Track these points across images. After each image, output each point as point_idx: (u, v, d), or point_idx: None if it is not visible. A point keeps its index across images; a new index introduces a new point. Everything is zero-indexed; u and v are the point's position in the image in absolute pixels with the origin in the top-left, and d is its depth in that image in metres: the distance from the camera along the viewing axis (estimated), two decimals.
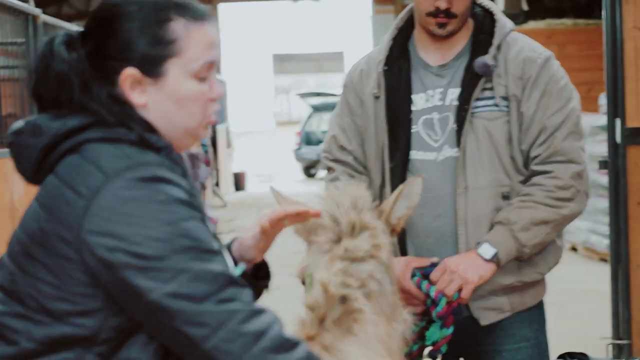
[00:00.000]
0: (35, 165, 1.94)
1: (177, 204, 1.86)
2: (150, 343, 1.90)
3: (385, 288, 2.65)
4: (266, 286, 2.35)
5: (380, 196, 3.16)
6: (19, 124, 1.99)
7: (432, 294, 3.03)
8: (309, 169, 24.58)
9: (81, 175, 1.87)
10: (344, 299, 2.44)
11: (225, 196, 19.42)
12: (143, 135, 1.92)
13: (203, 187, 2.54)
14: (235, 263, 2.24)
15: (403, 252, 3.20)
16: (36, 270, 1.89)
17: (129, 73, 1.94)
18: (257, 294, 2.27)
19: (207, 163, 2.55)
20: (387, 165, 3.19)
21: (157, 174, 1.87)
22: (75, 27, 10.03)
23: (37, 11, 8.38)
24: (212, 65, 2.02)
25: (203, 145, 17.63)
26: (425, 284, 3.05)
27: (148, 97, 1.97)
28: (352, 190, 2.74)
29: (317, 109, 25.39)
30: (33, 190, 7.15)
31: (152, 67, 1.95)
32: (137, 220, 1.81)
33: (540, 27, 13.69)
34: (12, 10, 8.05)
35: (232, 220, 16.39)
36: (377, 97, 3.22)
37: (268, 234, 2.27)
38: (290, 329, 2.38)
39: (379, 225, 2.66)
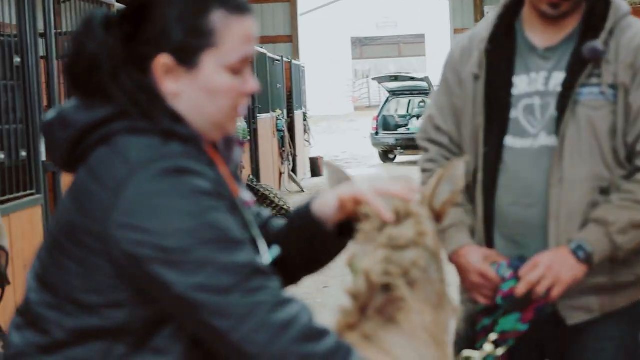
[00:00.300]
0: (66, 156, 1.96)
1: (201, 195, 1.85)
2: (179, 333, 1.91)
3: (431, 276, 2.61)
4: (344, 244, 2.34)
5: (473, 182, 3.11)
6: (50, 114, 2.00)
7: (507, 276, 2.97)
8: (387, 154, 24.43)
9: (108, 167, 1.87)
10: (386, 288, 2.41)
11: (302, 181, 19.46)
12: (168, 126, 1.91)
13: (240, 168, 2.55)
14: (269, 245, 2.19)
15: (489, 241, 3.13)
16: (66, 262, 1.91)
17: (163, 60, 1.93)
18: (339, 249, 2.32)
19: (242, 145, 2.55)
20: (481, 150, 3.09)
21: (181, 165, 1.85)
22: None
23: (111, 1, 8.50)
24: (248, 60, 2.00)
25: (279, 131, 17.76)
26: (504, 268, 2.99)
27: (180, 86, 1.95)
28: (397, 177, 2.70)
29: (394, 93, 25.20)
30: None
31: (187, 57, 1.93)
32: (161, 213, 1.81)
33: None
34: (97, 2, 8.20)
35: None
36: (476, 77, 3.10)
37: (345, 209, 2.24)
38: (333, 318, 2.36)
39: (423, 212, 2.61)
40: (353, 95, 50.78)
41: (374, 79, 28.99)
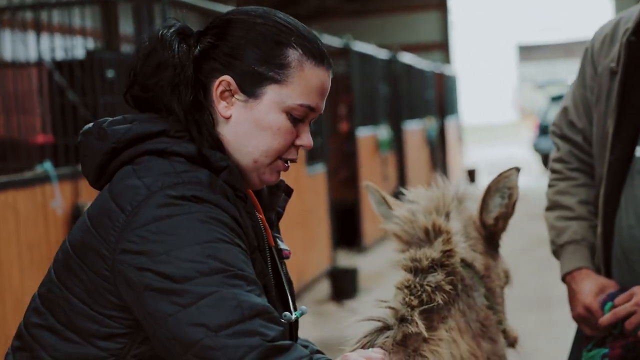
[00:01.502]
0: (98, 169, 1.90)
1: (214, 224, 1.75)
2: None
3: (475, 301, 2.35)
4: None
5: (598, 192, 2.78)
6: (89, 125, 1.95)
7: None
8: (548, 161, 23.64)
9: (128, 189, 1.80)
10: (403, 319, 2.17)
11: None
12: (203, 151, 1.84)
13: (279, 215, 2.43)
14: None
15: (607, 262, 2.80)
16: (72, 283, 1.85)
17: (227, 79, 1.88)
18: None
19: (287, 192, 2.46)
20: (607, 157, 2.71)
21: (198, 194, 1.77)
22: None
23: (223, 8, 8.54)
24: (310, 112, 1.91)
25: (430, 142, 17.47)
26: (610, 305, 2.67)
27: (233, 112, 1.89)
28: (436, 193, 2.46)
29: (555, 99, 24.39)
30: None
31: (251, 84, 1.88)
32: (167, 239, 1.72)
33: None
34: (198, 9, 8.27)
35: None
36: (613, 73, 2.70)
37: None
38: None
39: (455, 230, 2.35)
40: (517, 102, 49.67)
41: (535, 85, 28.30)
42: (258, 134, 1.89)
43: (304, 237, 10.10)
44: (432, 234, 2.34)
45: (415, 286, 2.23)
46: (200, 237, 1.72)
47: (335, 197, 11.96)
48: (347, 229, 12.28)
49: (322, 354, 1.94)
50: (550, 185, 3.02)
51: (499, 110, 46.27)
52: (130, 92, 1.95)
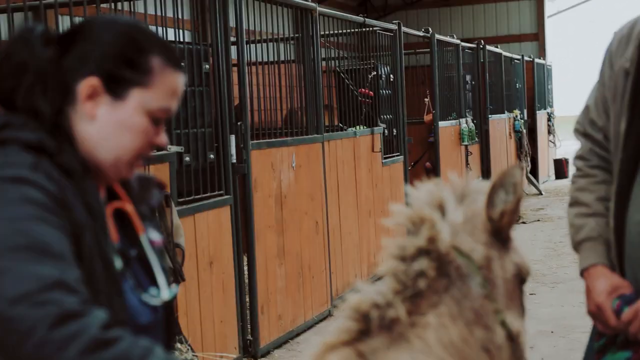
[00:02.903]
0: None
1: (29, 204, 1.80)
2: None
3: (470, 290, 2.43)
4: None
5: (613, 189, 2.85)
6: None
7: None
8: None
9: None
10: (388, 304, 2.27)
11: (544, 184, 18.83)
12: (42, 138, 1.91)
13: (153, 210, 2.49)
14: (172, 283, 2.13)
15: (620, 259, 2.84)
16: None
17: (93, 82, 1.97)
18: None
19: (162, 187, 2.52)
20: (619, 155, 2.80)
21: (17, 174, 1.83)
22: (351, 17, 10.26)
23: (313, 5, 8.68)
24: (168, 113, 2.03)
25: (517, 132, 17.27)
26: (626, 310, 2.72)
27: (99, 112, 1.98)
28: (430, 188, 2.54)
29: None
30: (304, 178, 7.50)
31: (117, 86, 1.98)
32: None
33: None
34: (289, 5, 8.42)
35: (542, 209, 15.88)
36: (627, 73, 2.77)
37: None
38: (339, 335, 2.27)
39: (438, 216, 2.44)
40: None
41: None
42: (122, 134, 1.99)
43: (378, 227, 10.19)
44: (418, 224, 2.42)
45: (399, 273, 2.33)
46: (10, 214, 1.77)
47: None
48: None
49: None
50: (572, 182, 3.07)
51: None
52: None
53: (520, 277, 2.67)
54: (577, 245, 2.96)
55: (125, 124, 1.99)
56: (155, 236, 2.15)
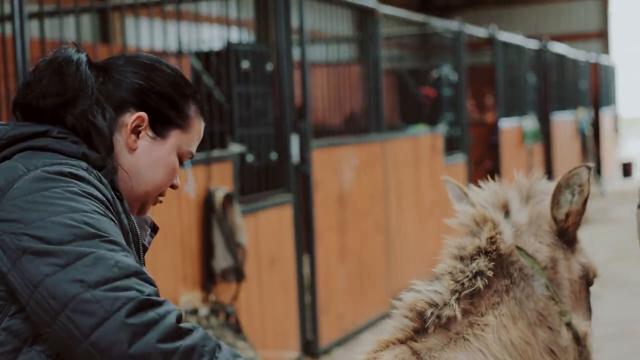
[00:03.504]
0: None
1: (90, 198, 1.86)
2: (46, 351, 1.86)
3: (534, 291, 2.42)
4: None
5: None
6: None
7: None
8: None
9: (6, 170, 1.92)
10: (444, 304, 2.27)
11: (609, 185, 18.52)
12: (85, 151, 1.97)
13: (144, 249, 2.55)
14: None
15: None
16: None
17: (143, 116, 2.06)
18: None
19: (154, 228, 2.58)
20: None
21: (73, 172, 1.90)
22: (412, 17, 10.22)
23: (374, 7, 8.68)
24: (191, 157, 2.17)
25: (582, 134, 17.03)
26: None
27: (140, 146, 2.08)
28: (495, 187, 2.54)
29: None
30: (365, 178, 7.52)
31: (161, 125, 2.09)
32: (44, 207, 1.82)
33: None
34: (351, 5, 8.44)
35: (607, 209, 15.63)
36: None
37: None
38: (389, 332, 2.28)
39: (500, 218, 2.43)
40: None
41: None
42: (156, 170, 2.09)
43: (438, 227, 10.15)
44: (481, 224, 2.43)
45: (456, 272, 2.33)
46: (76, 207, 1.82)
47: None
48: None
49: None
50: None
51: None
52: (24, 102, 2.05)
53: (587, 278, 2.65)
54: None
55: (162, 161, 2.10)
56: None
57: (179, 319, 1.80)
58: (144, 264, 2.19)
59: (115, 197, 2.00)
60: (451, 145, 10.84)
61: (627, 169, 20.52)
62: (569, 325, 2.50)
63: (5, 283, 1.84)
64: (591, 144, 17.84)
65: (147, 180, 2.09)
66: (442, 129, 10.46)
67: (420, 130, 10.18)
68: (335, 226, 7.82)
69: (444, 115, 10.79)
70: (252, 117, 6.79)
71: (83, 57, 2.07)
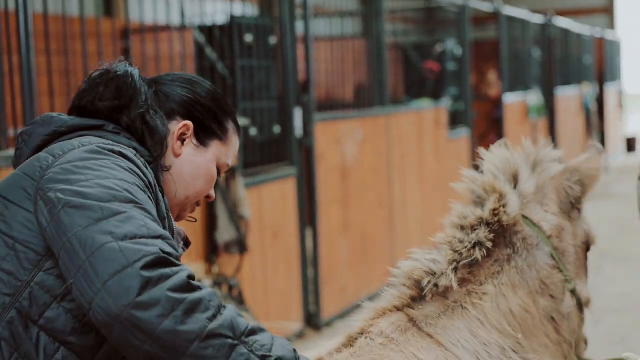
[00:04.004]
0: (35, 151, 2.14)
1: (134, 174, 2.02)
2: (73, 311, 1.96)
3: (536, 260, 2.45)
4: None
5: None
6: (36, 119, 2.24)
7: None
8: None
9: (62, 145, 2.08)
10: (442, 273, 2.30)
11: (612, 160, 18.51)
12: (136, 146, 2.14)
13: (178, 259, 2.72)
14: None
15: None
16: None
17: (189, 124, 2.25)
18: None
19: (186, 242, 2.65)
20: None
21: (123, 151, 2.07)
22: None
23: None
24: (227, 170, 2.35)
25: (587, 109, 17.00)
26: None
27: (184, 153, 2.25)
28: (506, 154, 2.57)
29: None
30: (369, 151, 7.54)
31: (204, 135, 2.27)
32: (91, 172, 1.97)
33: None
34: None
35: (610, 185, 15.64)
36: None
37: None
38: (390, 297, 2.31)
39: (509, 189, 2.45)
40: None
41: None
42: (197, 177, 2.26)
43: (443, 200, 10.16)
44: (488, 193, 2.45)
45: (455, 242, 2.36)
46: (120, 176, 1.98)
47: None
48: None
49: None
50: None
51: None
52: (79, 104, 2.22)
53: (587, 244, 2.68)
54: None
55: (202, 169, 2.27)
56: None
57: (192, 277, 1.88)
58: None
59: (157, 185, 2.14)
60: (455, 120, 10.85)
61: (631, 144, 20.51)
62: (573, 292, 2.52)
63: (43, 238, 1.96)
64: (595, 119, 17.82)
65: (189, 185, 2.26)
66: (446, 103, 10.46)
67: (424, 104, 10.18)
68: (338, 200, 7.85)
69: (448, 89, 10.78)
70: (256, 90, 6.80)
71: (136, 70, 2.25)
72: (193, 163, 2.25)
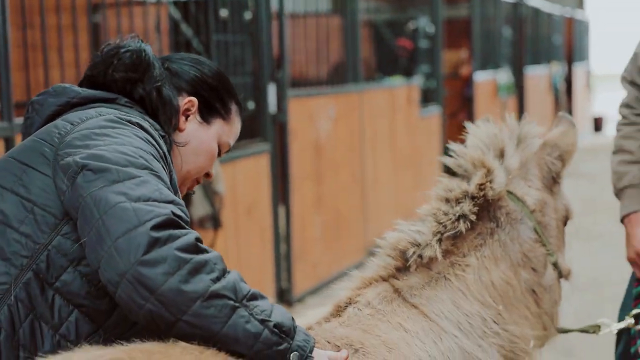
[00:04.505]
0: (46, 121, 2.20)
1: (150, 144, 2.08)
2: (88, 275, 2.02)
3: (519, 234, 2.50)
4: None
5: None
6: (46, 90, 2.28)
7: None
8: None
9: (80, 113, 2.14)
10: (426, 244, 2.35)
11: (580, 139, 18.70)
12: (149, 120, 2.20)
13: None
14: None
15: None
16: (6, 181, 2.08)
17: (194, 100, 2.32)
18: None
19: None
20: None
21: (140, 122, 2.13)
22: None
23: None
24: (228, 150, 2.40)
25: (555, 88, 17.15)
26: None
27: (188, 128, 2.31)
28: (493, 129, 2.61)
29: None
30: (342, 128, 7.52)
31: (208, 112, 2.35)
32: (109, 138, 2.03)
33: None
34: None
35: (578, 164, 15.81)
36: None
37: None
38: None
39: (497, 165, 2.50)
40: None
41: None
42: (199, 153, 2.32)
43: (414, 178, 10.24)
44: (476, 168, 2.49)
45: (440, 214, 2.40)
46: (137, 144, 2.04)
47: (454, 141, 12.00)
48: None
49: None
50: (617, 130, 3.11)
51: None
52: (91, 74, 2.28)
53: (566, 218, 2.75)
54: (619, 192, 3.01)
55: (205, 145, 2.33)
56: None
57: (199, 240, 1.93)
58: None
59: (170, 160, 2.19)
60: (426, 98, 10.90)
61: (598, 124, 20.73)
62: (555, 265, 2.58)
63: (61, 202, 2.01)
64: (564, 98, 17.98)
65: (190, 160, 2.32)
66: (418, 80, 10.51)
67: (397, 81, 10.21)
68: (311, 176, 7.88)
69: (420, 67, 10.82)
70: (231, 66, 6.79)
71: (148, 47, 2.32)
72: (196, 138, 2.31)
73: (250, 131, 7.10)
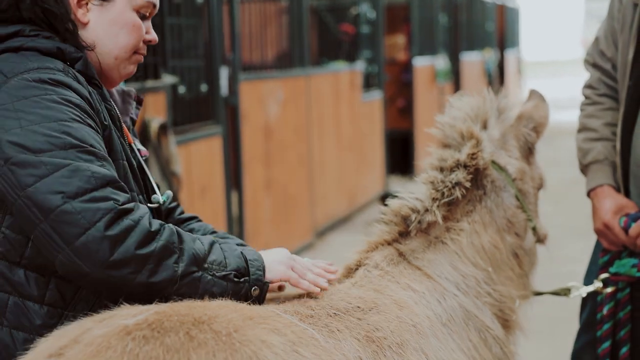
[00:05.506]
0: None
1: (68, 105, 1.95)
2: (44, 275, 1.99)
3: (503, 201, 2.64)
4: None
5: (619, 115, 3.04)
6: None
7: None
8: None
9: None
10: (426, 210, 2.47)
11: None
12: (59, 45, 2.05)
13: (133, 121, 2.65)
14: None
15: (626, 179, 3.05)
16: None
17: None
18: None
19: (139, 101, 2.64)
20: (626, 82, 2.97)
21: (53, 78, 1.98)
22: None
23: None
24: (154, 8, 2.20)
25: (488, 74, 17.49)
26: (634, 226, 2.93)
27: (91, 17, 2.13)
28: (477, 102, 2.74)
29: None
30: (290, 111, 7.60)
31: None
32: (25, 115, 1.91)
33: None
34: None
35: None
36: (635, 4, 2.95)
37: None
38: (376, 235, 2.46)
39: (491, 137, 2.64)
40: (583, 39, 48.79)
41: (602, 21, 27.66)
42: (116, 33, 2.14)
43: (357, 161, 10.39)
44: (465, 139, 2.62)
45: (437, 182, 2.53)
46: (55, 115, 1.91)
47: (392, 126, 12.19)
48: (402, 157, 12.54)
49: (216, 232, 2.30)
50: (580, 110, 3.27)
51: (565, 46, 45.44)
52: None
53: (540, 187, 2.91)
54: (584, 168, 3.18)
55: (118, 22, 2.13)
56: (141, 146, 2.33)
57: (150, 220, 1.92)
58: (136, 135, 2.32)
59: (93, 92, 2.05)
60: (368, 82, 11.05)
61: None
62: (534, 229, 2.74)
63: None
64: (497, 84, 18.34)
65: (110, 46, 2.15)
66: (360, 65, 10.64)
67: (340, 66, 10.34)
68: (261, 158, 7.97)
69: (362, 52, 10.96)
70: (184, 49, 6.82)
71: None
72: (104, 23, 2.13)
73: (204, 114, 7.14)
